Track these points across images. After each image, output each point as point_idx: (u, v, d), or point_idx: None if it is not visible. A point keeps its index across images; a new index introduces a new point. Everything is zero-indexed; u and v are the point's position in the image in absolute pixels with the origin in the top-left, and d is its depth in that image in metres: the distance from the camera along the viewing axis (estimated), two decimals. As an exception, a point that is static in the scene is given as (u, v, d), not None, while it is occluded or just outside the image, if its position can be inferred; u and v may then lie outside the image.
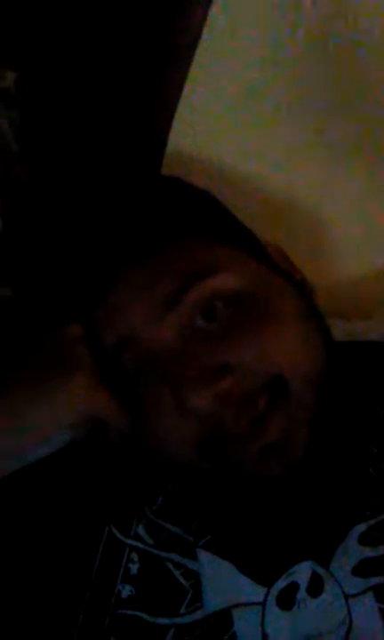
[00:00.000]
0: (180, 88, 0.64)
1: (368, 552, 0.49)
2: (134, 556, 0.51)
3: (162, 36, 0.60)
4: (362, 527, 0.50)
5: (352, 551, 0.49)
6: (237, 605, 0.49)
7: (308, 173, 0.71)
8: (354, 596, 0.48)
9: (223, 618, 0.48)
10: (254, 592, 0.49)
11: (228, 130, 0.68)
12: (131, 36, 0.58)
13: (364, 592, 0.48)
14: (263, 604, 0.49)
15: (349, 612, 0.48)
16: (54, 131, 0.58)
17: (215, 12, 0.61)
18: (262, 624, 0.48)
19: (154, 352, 0.49)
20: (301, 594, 0.48)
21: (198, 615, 0.49)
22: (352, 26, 0.63)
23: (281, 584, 0.49)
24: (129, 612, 0.49)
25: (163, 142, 0.66)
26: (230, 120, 0.68)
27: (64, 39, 0.56)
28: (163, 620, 0.49)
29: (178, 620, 0.49)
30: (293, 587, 0.49)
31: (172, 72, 0.63)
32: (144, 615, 0.49)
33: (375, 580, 0.48)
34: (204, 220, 0.56)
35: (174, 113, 0.65)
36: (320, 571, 0.49)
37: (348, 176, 0.71)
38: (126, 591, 0.50)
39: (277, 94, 0.67)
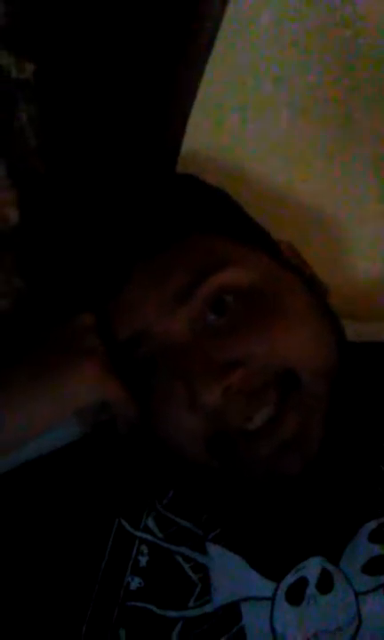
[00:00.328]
0: (196, 85, 0.64)
1: (378, 550, 0.49)
2: (144, 548, 0.51)
3: (178, 33, 0.60)
4: (372, 524, 0.50)
5: (362, 548, 0.49)
6: (246, 599, 0.49)
7: (322, 173, 0.71)
8: (364, 593, 0.48)
9: (232, 612, 0.48)
10: (263, 586, 0.49)
11: (242, 129, 0.68)
12: (148, 29, 0.59)
13: (374, 590, 0.48)
14: (272, 598, 0.49)
15: (359, 610, 0.48)
16: (72, 124, 0.58)
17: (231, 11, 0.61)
18: (271, 619, 0.48)
19: (166, 345, 0.49)
20: (311, 590, 0.48)
21: (207, 609, 0.49)
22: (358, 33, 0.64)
23: (290, 579, 0.49)
24: (138, 605, 0.49)
25: (178, 139, 0.67)
26: (245, 119, 0.68)
27: (82, 32, 0.56)
28: (171, 613, 0.49)
29: (186, 613, 0.49)
30: (303, 582, 0.49)
31: (189, 69, 0.64)
32: (153, 607, 0.49)
33: None
34: (216, 217, 0.56)
35: (190, 110, 0.66)
36: (330, 567, 0.49)
37: (363, 176, 0.71)
38: (135, 583, 0.50)
39: (292, 95, 0.67)
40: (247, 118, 0.68)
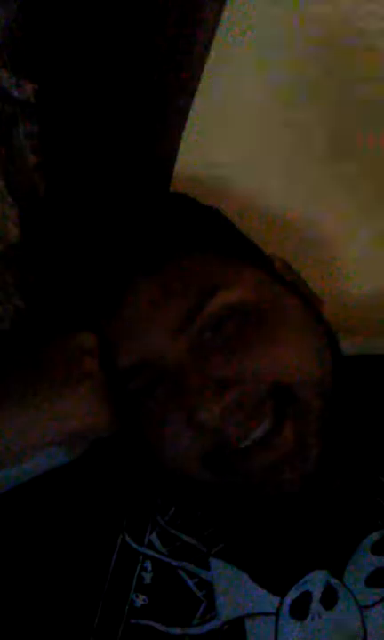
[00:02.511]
0: (189, 102, 0.65)
1: (381, 562, 0.49)
2: (148, 564, 0.51)
3: (175, 47, 0.61)
4: (374, 536, 0.50)
5: (365, 561, 0.49)
6: (251, 615, 0.49)
7: (315, 191, 0.72)
8: (368, 607, 0.48)
9: (236, 628, 0.48)
10: (267, 602, 0.49)
11: (235, 146, 0.69)
12: (143, 49, 0.59)
13: (378, 603, 0.48)
14: (276, 614, 0.48)
15: (364, 624, 0.48)
16: (71, 142, 0.58)
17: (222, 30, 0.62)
18: (275, 634, 0.48)
19: (164, 368, 0.50)
20: (315, 605, 0.48)
21: (212, 625, 0.49)
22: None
23: (294, 594, 0.49)
24: (142, 622, 0.49)
25: (171, 158, 0.67)
26: (237, 136, 0.69)
27: (81, 53, 0.56)
28: (176, 630, 0.49)
29: (191, 630, 0.49)
30: (306, 597, 0.49)
31: (183, 83, 0.64)
32: (158, 625, 0.49)
33: None
34: (210, 235, 0.56)
35: (183, 129, 0.66)
36: (333, 582, 0.49)
37: (358, 191, 0.71)
38: (140, 601, 0.50)
39: (286, 109, 0.68)
40: (240, 137, 0.69)
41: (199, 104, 0.64)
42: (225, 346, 0.49)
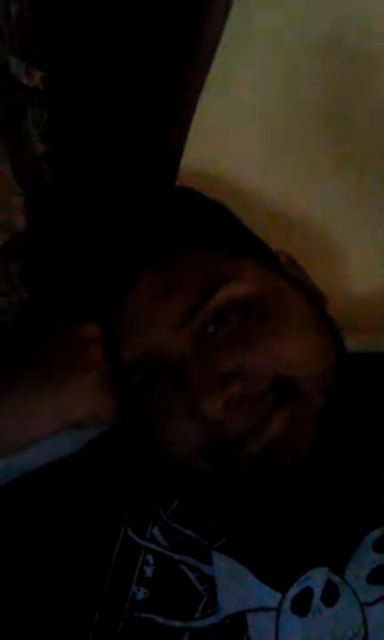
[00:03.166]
0: (197, 95, 0.65)
1: (383, 559, 0.49)
2: (149, 558, 0.51)
3: (182, 41, 0.60)
4: (376, 534, 0.50)
5: (366, 558, 0.49)
6: (252, 610, 0.49)
7: (318, 188, 0.72)
8: (369, 604, 0.48)
9: (238, 622, 0.48)
10: (269, 597, 0.49)
11: (242, 143, 0.69)
12: (153, 39, 0.59)
13: (379, 600, 0.48)
14: (278, 609, 0.48)
15: (365, 621, 0.48)
16: (79, 131, 0.58)
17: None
18: (276, 630, 0.48)
19: (167, 362, 0.50)
20: (316, 601, 0.48)
21: (213, 619, 0.49)
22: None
23: (295, 590, 0.49)
24: (143, 615, 0.49)
25: (178, 151, 0.67)
26: (243, 133, 0.68)
27: (91, 41, 0.56)
28: (177, 624, 0.49)
29: (193, 623, 0.49)
30: (308, 593, 0.49)
31: (191, 78, 0.64)
32: (159, 618, 0.49)
33: None
34: (216, 229, 0.56)
35: (191, 122, 0.66)
36: (335, 579, 0.49)
37: (363, 188, 0.71)
38: (141, 594, 0.50)
39: (293, 107, 0.68)
40: (245, 134, 0.69)
41: (204, 100, 0.64)
42: (228, 340, 0.49)
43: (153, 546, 0.51)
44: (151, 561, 0.51)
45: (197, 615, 0.49)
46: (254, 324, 0.50)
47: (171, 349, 0.50)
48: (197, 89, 0.64)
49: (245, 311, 0.50)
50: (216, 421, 0.48)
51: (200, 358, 0.49)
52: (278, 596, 0.49)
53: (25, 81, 0.52)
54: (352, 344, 0.56)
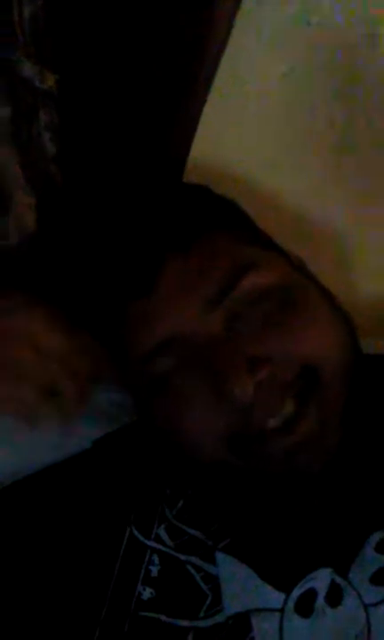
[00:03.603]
0: (205, 95, 0.65)
1: None
2: (155, 558, 0.51)
3: (191, 42, 0.61)
4: (379, 535, 0.50)
5: (370, 560, 0.49)
6: (256, 610, 0.49)
7: (327, 191, 0.72)
8: (373, 604, 0.48)
9: (242, 622, 0.49)
10: (273, 597, 0.49)
11: (248, 147, 0.69)
12: (162, 45, 0.59)
13: (383, 601, 0.48)
14: (282, 610, 0.49)
15: (368, 622, 0.48)
16: (90, 133, 0.58)
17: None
18: (280, 631, 0.48)
19: (197, 345, 0.50)
20: (320, 602, 0.49)
21: (218, 619, 0.49)
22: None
23: (299, 590, 0.49)
24: (149, 615, 0.49)
25: (185, 149, 0.67)
26: (250, 136, 0.69)
27: (103, 44, 0.57)
28: (183, 623, 0.49)
29: (197, 623, 0.49)
30: (312, 594, 0.49)
31: (200, 79, 0.64)
32: (164, 617, 0.49)
33: None
34: (234, 220, 0.57)
35: (197, 123, 0.66)
36: (339, 580, 0.49)
37: (369, 191, 0.72)
38: (147, 593, 0.50)
39: (303, 111, 0.68)
40: (252, 137, 0.69)
41: (211, 101, 0.65)
42: (258, 324, 0.50)
43: (159, 546, 0.52)
44: (157, 561, 0.51)
45: (202, 615, 0.49)
46: (281, 312, 0.51)
47: (200, 332, 0.50)
48: (206, 89, 0.64)
49: (274, 297, 0.51)
50: (244, 405, 0.47)
51: (229, 341, 0.49)
52: (282, 596, 0.49)
53: (37, 83, 0.52)
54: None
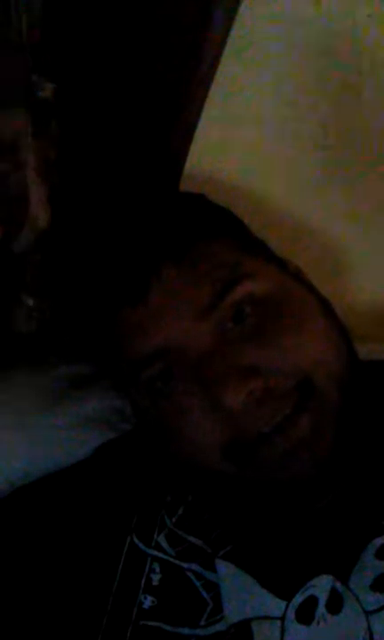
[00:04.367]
0: (202, 100, 0.65)
1: None
2: (156, 566, 0.51)
3: (185, 58, 0.61)
4: (379, 541, 0.50)
5: (370, 566, 0.49)
6: (257, 619, 0.49)
7: (325, 198, 0.72)
8: (373, 611, 0.48)
9: (243, 630, 0.48)
10: (273, 605, 0.49)
11: (244, 154, 0.69)
12: (160, 51, 0.59)
13: (383, 607, 0.48)
14: (282, 618, 0.49)
15: (370, 629, 0.48)
16: (88, 140, 0.58)
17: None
18: (281, 639, 0.48)
19: (186, 355, 0.50)
20: (321, 610, 0.48)
21: (219, 627, 0.49)
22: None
23: (300, 598, 0.49)
24: (151, 623, 0.49)
25: (182, 156, 0.67)
26: (246, 143, 0.69)
27: (97, 54, 0.57)
28: (184, 631, 0.49)
29: (198, 631, 0.49)
30: (312, 601, 0.49)
31: (195, 91, 0.65)
32: (166, 626, 0.49)
33: None
34: (228, 229, 0.57)
35: (194, 130, 0.66)
36: (339, 587, 0.49)
37: (365, 197, 0.72)
38: (148, 602, 0.50)
39: (299, 117, 0.68)
40: (247, 144, 0.69)
41: (206, 110, 0.65)
42: (248, 335, 0.50)
43: (159, 554, 0.52)
44: (158, 569, 0.51)
45: (203, 623, 0.49)
46: (273, 321, 0.51)
47: (191, 341, 0.50)
48: (203, 96, 0.65)
49: (264, 308, 0.51)
50: (236, 414, 0.48)
51: (221, 350, 0.49)
52: (283, 604, 0.49)
53: (39, 94, 0.52)
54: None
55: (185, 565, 0.51)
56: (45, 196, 0.56)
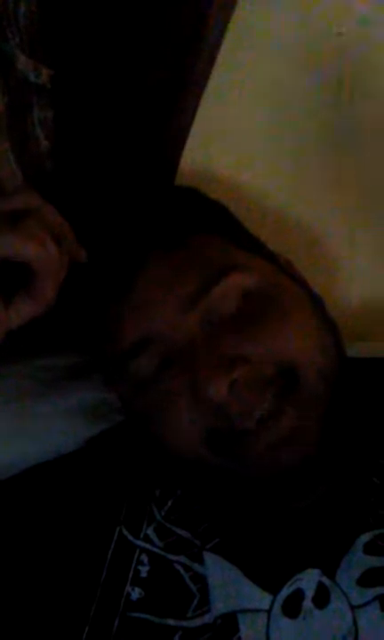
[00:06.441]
0: (200, 91, 0.65)
1: (373, 562, 0.49)
2: (144, 558, 0.51)
3: (186, 38, 0.61)
4: (367, 536, 0.50)
5: (357, 561, 0.50)
6: (243, 611, 0.49)
7: (320, 195, 0.72)
8: (360, 606, 0.48)
9: (229, 623, 0.49)
10: (260, 598, 0.49)
11: (241, 151, 0.69)
12: (157, 40, 0.59)
13: (369, 602, 0.48)
14: (269, 611, 0.49)
15: (356, 623, 0.48)
16: (83, 128, 0.58)
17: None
18: (267, 631, 0.48)
19: (173, 344, 0.50)
20: (307, 604, 0.49)
21: (205, 619, 0.49)
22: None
23: (286, 591, 0.49)
24: (138, 615, 0.49)
25: (178, 151, 0.67)
26: (243, 139, 0.69)
27: (95, 43, 0.56)
28: (170, 622, 0.49)
29: (185, 623, 0.49)
30: (299, 595, 0.49)
31: (191, 89, 0.64)
32: (153, 618, 0.49)
33: (381, 590, 0.48)
34: (220, 223, 0.57)
35: (191, 125, 0.66)
36: (326, 581, 0.49)
37: (360, 195, 0.72)
38: (136, 594, 0.50)
39: (295, 115, 0.69)
40: (244, 141, 0.69)
41: (203, 106, 0.65)
42: (234, 326, 0.50)
43: (148, 546, 0.52)
44: (146, 561, 0.51)
45: (189, 615, 0.49)
46: (259, 313, 0.51)
47: (177, 331, 0.50)
48: (201, 86, 0.64)
49: (252, 300, 0.51)
50: (220, 404, 0.48)
51: (206, 341, 0.49)
52: (270, 597, 0.49)
53: (32, 78, 0.52)
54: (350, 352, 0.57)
55: (173, 558, 0.51)
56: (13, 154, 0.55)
